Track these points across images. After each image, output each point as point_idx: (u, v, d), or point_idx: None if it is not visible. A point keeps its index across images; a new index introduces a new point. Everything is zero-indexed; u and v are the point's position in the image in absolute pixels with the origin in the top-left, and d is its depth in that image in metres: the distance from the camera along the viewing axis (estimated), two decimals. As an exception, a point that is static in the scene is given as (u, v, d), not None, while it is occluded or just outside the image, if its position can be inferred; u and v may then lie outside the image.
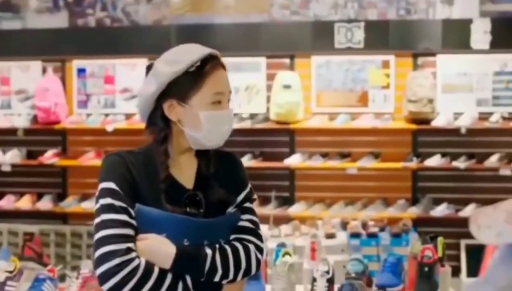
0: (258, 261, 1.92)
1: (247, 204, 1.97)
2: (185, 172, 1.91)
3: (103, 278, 1.72)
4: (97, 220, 1.78)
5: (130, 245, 1.75)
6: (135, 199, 1.80)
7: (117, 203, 1.78)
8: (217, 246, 1.85)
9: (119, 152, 1.87)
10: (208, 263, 1.81)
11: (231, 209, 1.93)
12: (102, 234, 1.75)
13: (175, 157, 1.90)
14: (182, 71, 1.84)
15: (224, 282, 1.85)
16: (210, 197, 1.89)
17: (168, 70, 1.84)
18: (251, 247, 1.90)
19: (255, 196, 2.01)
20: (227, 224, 1.90)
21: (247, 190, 1.98)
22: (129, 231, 1.77)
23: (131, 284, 1.72)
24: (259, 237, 1.95)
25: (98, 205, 1.80)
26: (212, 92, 1.86)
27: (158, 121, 1.89)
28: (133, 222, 1.78)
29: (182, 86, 1.85)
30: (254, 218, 1.96)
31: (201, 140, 1.88)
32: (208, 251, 1.82)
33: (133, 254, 1.74)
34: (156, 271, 1.75)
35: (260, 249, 1.93)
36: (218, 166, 1.95)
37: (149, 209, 1.80)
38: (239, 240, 1.90)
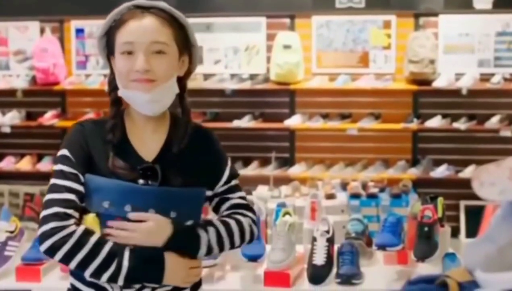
0: (252, 233, 1.95)
1: (233, 182, 1.96)
2: (148, 142, 1.86)
3: (40, 239, 1.75)
4: (49, 184, 1.82)
5: (69, 211, 1.75)
6: (88, 167, 1.80)
7: (67, 169, 1.79)
8: (212, 226, 1.86)
9: (84, 121, 1.89)
10: (204, 246, 1.83)
11: (218, 188, 1.93)
12: (47, 198, 1.78)
13: (140, 125, 1.87)
14: (108, 26, 1.84)
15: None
16: (174, 174, 1.83)
17: (101, 27, 1.86)
18: (245, 220, 1.92)
19: (238, 171, 2.02)
20: (183, 197, 1.83)
21: (229, 167, 1.96)
22: (72, 197, 1.77)
23: (64, 249, 1.72)
24: (253, 211, 1.98)
25: (53, 170, 1.84)
26: (121, 42, 1.80)
27: (111, 81, 1.88)
28: (81, 188, 1.79)
29: (109, 39, 1.85)
30: (244, 194, 1.99)
31: (127, 99, 1.85)
32: (203, 234, 1.83)
33: (71, 221, 1.74)
34: (92, 241, 1.73)
35: (254, 222, 1.97)
36: (195, 143, 1.90)
37: (94, 177, 1.79)
38: (233, 214, 1.93)
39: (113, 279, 1.74)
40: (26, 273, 2.67)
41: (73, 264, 1.74)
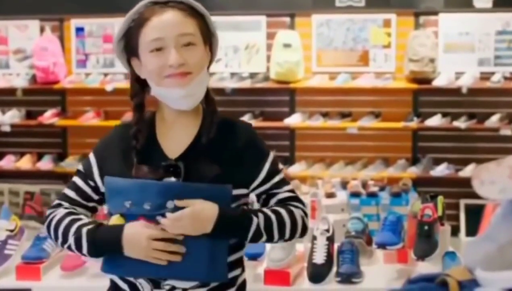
0: (305, 226, 1.88)
1: (277, 178, 1.88)
2: (177, 139, 1.84)
3: None
4: None
5: (65, 203, 1.90)
6: (111, 170, 1.84)
7: (84, 171, 1.91)
8: (261, 212, 1.81)
9: (122, 123, 1.98)
10: (253, 229, 1.77)
11: (258, 186, 1.86)
12: (63, 191, 1.95)
13: (171, 122, 1.86)
14: (126, 27, 1.81)
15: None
16: (201, 170, 1.78)
17: (118, 30, 1.84)
18: (296, 211, 1.85)
19: (281, 166, 1.93)
20: (205, 193, 1.76)
21: (269, 163, 1.87)
22: (74, 195, 1.90)
23: (51, 232, 1.87)
24: (303, 203, 1.91)
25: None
26: (148, 40, 1.77)
27: (133, 85, 1.86)
28: (87, 189, 1.89)
29: (130, 41, 1.82)
30: (291, 187, 1.91)
31: (161, 97, 1.84)
32: (254, 217, 1.78)
33: (57, 209, 1.88)
34: (64, 223, 1.83)
35: (306, 214, 1.89)
36: (227, 137, 1.85)
37: (114, 179, 1.81)
38: (284, 206, 1.86)
39: (79, 249, 1.81)
40: (26, 272, 2.67)
41: (59, 242, 1.87)
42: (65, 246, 1.84)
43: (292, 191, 1.90)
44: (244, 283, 1.93)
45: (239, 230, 1.79)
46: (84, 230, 1.79)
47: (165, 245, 1.74)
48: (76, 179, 1.91)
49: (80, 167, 1.92)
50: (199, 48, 1.80)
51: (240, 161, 1.82)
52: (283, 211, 1.83)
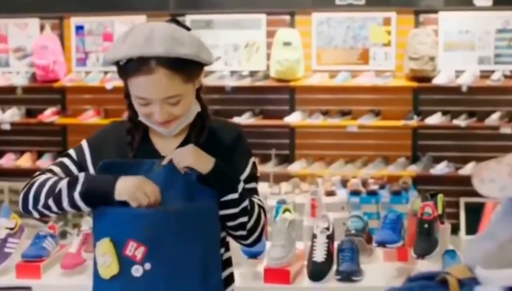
0: (259, 215, 1.92)
1: (252, 185, 1.94)
2: (167, 137, 1.89)
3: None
4: None
5: (46, 173, 1.90)
6: (100, 160, 1.86)
7: (73, 154, 1.93)
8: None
9: (116, 120, 2.00)
10: (240, 187, 1.84)
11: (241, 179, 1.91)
12: (48, 166, 1.96)
13: None
14: (111, 62, 1.80)
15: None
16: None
17: (108, 53, 1.81)
18: (257, 203, 1.92)
19: (258, 174, 1.99)
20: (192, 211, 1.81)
21: (249, 167, 1.94)
22: (59, 171, 1.91)
23: (31, 191, 1.87)
24: (264, 209, 1.96)
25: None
26: (134, 94, 1.80)
27: (127, 86, 1.84)
28: (75, 169, 1.90)
29: (119, 71, 1.82)
30: (260, 198, 1.97)
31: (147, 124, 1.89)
32: (242, 183, 1.85)
33: (39, 176, 1.89)
34: (53, 179, 1.84)
35: (264, 210, 1.94)
36: (216, 138, 1.91)
37: (104, 208, 1.81)
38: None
39: (72, 186, 1.79)
40: (26, 270, 2.67)
41: (41, 197, 1.83)
42: (50, 198, 1.81)
43: (260, 200, 1.97)
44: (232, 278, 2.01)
45: (231, 180, 1.84)
46: (82, 173, 1.83)
47: (155, 191, 1.76)
48: (65, 160, 1.93)
49: (72, 151, 1.94)
50: (186, 98, 1.82)
51: (229, 159, 1.88)
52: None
